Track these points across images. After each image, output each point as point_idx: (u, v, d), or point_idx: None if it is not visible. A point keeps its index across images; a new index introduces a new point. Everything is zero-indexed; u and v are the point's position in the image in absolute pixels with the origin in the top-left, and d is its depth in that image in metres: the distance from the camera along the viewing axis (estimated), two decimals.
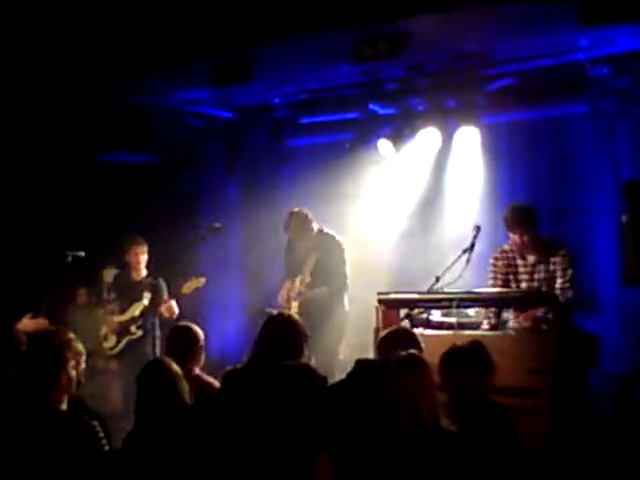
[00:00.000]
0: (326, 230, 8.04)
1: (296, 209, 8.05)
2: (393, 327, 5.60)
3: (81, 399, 4.50)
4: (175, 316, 8.01)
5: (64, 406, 4.25)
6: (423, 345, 5.20)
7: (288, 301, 7.94)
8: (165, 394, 4.54)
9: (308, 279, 7.83)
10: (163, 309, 7.96)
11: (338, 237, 8.01)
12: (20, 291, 8.92)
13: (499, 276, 6.95)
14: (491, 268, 6.99)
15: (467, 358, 4.77)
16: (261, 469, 4.58)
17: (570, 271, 6.65)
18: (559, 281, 6.65)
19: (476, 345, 4.91)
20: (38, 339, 4.45)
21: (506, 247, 6.94)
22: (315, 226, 8.00)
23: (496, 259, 6.97)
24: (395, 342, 5.11)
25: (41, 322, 7.23)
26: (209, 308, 9.71)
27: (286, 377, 4.90)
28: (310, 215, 7.99)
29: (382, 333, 5.42)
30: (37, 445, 4.06)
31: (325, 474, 4.32)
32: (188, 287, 8.13)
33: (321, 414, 4.57)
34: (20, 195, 9.44)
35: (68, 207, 9.79)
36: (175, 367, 4.71)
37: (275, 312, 5.52)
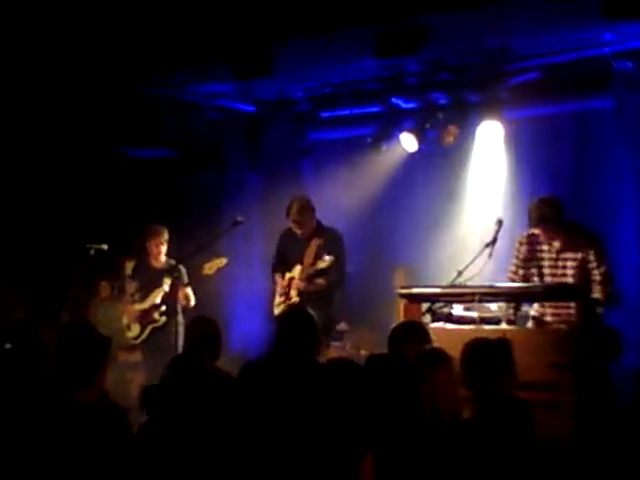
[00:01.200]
0: (325, 223, 7.99)
1: (298, 194, 8.05)
2: (403, 320, 5.60)
3: (105, 392, 4.52)
4: (192, 304, 8.04)
5: (94, 400, 4.28)
6: (443, 339, 5.20)
7: (287, 295, 7.87)
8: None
9: (309, 269, 7.76)
10: (180, 296, 7.97)
11: (338, 231, 7.95)
12: (45, 285, 9.00)
13: (519, 263, 6.88)
14: (515, 253, 6.95)
15: (490, 354, 4.75)
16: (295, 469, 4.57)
17: (604, 268, 6.56)
18: (597, 279, 6.55)
19: (501, 341, 4.88)
20: (82, 333, 4.46)
21: (533, 231, 6.82)
22: (314, 214, 7.95)
23: (520, 244, 6.89)
24: (405, 335, 5.12)
25: None
26: (232, 302, 9.74)
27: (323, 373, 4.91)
28: (312, 203, 7.95)
29: (393, 326, 5.40)
30: (76, 440, 4.05)
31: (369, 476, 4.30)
32: (210, 267, 8.13)
33: (362, 413, 4.56)
34: (44, 190, 9.52)
35: (91, 201, 9.87)
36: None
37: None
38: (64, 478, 4.01)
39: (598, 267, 6.56)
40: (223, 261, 8.16)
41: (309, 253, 7.80)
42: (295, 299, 7.76)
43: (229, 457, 4.31)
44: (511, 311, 6.65)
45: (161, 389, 5.27)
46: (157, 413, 4.79)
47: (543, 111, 8.63)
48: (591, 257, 6.58)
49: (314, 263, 7.70)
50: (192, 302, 8.11)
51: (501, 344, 4.82)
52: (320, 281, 7.72)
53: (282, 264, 8.05)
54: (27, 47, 7.67)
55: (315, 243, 7.79)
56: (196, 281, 8.24)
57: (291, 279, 7.86)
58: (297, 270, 7.83)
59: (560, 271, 6.68)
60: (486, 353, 4.75)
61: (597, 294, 6.47)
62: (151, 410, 4.83)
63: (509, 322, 6.55)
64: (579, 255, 6.61)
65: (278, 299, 7.93)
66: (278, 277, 8.02)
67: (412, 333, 5.18)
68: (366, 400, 4.48)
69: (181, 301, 7.99)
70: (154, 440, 4.42)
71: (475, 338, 4.83)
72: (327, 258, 7.56)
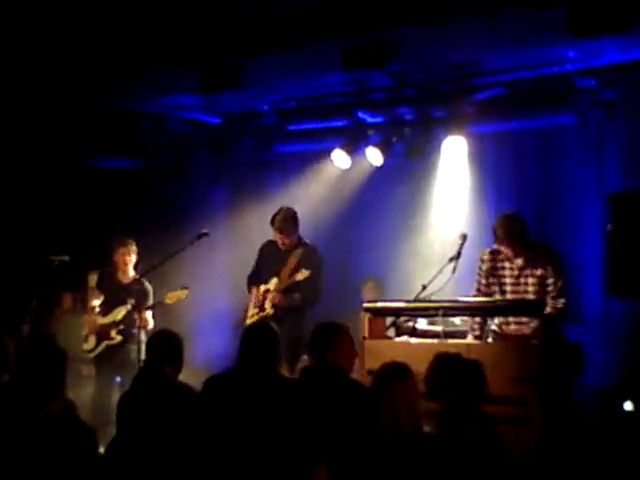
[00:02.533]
0: (308, 241, 7.99)
1: (288, 207, 8.02)
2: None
3: (72, 403, 4.48)
4: (150, 327, 7.96)
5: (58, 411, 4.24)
6: (407, 353, 5.20)
7: (261, 307, 7.83)
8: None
9: (284, 282, 7.74)
10: (138, 318, 7.87)
11: (318, 250, 7.95)
12: (6, 296, 8.90)
13: (482, 280, 6.92)
14: (477, 270, 6.99)
15: (457, 368, 4.76)
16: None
17: (561, 283, 6.62)
18: (551, 294, 6.60)
19: (471, 361, 4.89)
20: (42, 345, 4.42)
21: (495, 247, 6.87)
22: (298, 232, 7.96)
23: (482, 261, 6.94)
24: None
25: None
26: (195, 316, 9.69)
27: (277, 387, 4.91)
28: (298, 217, 7.95)
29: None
30: (43, 451, 4.01)
31: None
32: (170, 298, 8.07)
33: (315, 425, 4.56)
34: (6, 200, 9.43)
35: (54, 212, 9.78)
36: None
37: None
38: None
39: (555, 282, 6.62)
40: (184, 293, 8.09)
41: (287, 266, 7.78)
42: (269, 311, 7.73)
43: (191, 469, 4.30)
44: (476, 327, 6.70)
45: (126, 402, 5.26)
46: (123, 425, 4.78)
47: (507, 127, 8.70)
48: (549, 273, 6.65)
49: (291, 275, 7.67)
50: (150, 326, 8.03)
51: (469, 361, 4.84)
52: (295, 295, 7.69)
53: (259, 276, 8.00)
54: None
55: (294, 257, 7.78)
56: (156, 305, 8.17)
57: (266, 291, 7.83)
58: (273, 282, 7.81)
59: (522, 288, 6.74)
60: (454, 367, 4.77)
61: (548, 308, 6.52)
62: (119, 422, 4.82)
63: (477, 338, 6.59)
64: (539, 272, 6.68)
65: (252, 311, 7.87)
66: (254, 289, 7.97)
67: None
68: (319, 413, 4.50)
69: (140, 323, 7.86)
70: (120, 453, 4.40)
71: (442, 352, 4.85)
72: (304, 272, 7.54)
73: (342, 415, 4.56)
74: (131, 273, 8.37)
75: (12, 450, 4.02)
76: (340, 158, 9.05)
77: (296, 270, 7.68)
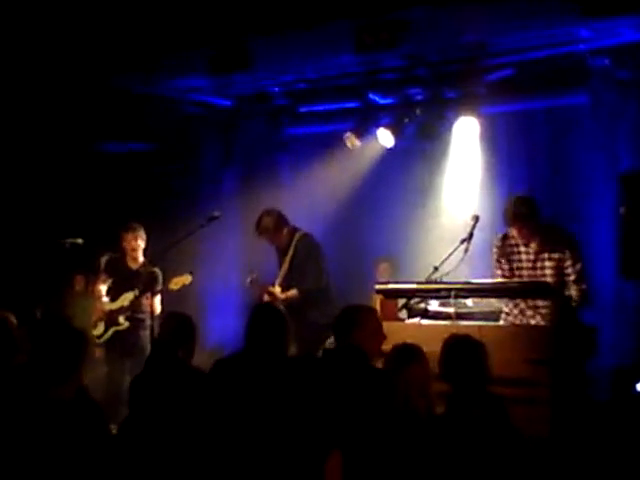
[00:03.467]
0: (299, 229, 7.95)
1: (268, 209, 7.97)
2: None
3: (84, 387, 4.48)
4: (157, 313, 7.92)
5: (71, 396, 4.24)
6: (419, 334, 5.19)
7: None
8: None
9: (279, 282, 7.78)
10: (146, 303, 7.89)
11: (310, 235, 7.92)
12: (19, 279, 8.93)
13: (504, 266, 6.87)
14: (494, 257, 6.95)
15: (469, 349, 4.75)
16: (261, 464, 4.55)
17: (579, 266, 6.57)
18: (571, 278, 6.55)
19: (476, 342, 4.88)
20: (61, 327, 4.43)
21: (507, 233, 6.82)
22: (288, 226, 7.92)
23: (497, 247, 6.88)
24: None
25: None
26: (207, 299, 9.70)
27: (285, 369, 4.90)
28: (282, 215, 7.91)
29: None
30: (52, 436, 4.03)
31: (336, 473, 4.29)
32: (175, 283, 8.09)
33: (326, 407, 4.54)
34: (20, 184, 9.45)
35: (67, 196, 9.79)
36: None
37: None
38: (39, 475, 3.98)
39: (573, 265, 6.57)
40: (188, 278, 8.10)
41: (284, 265, 7.83)
42: None
43: (201, 451, 4.30)
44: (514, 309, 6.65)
45: (138, 384, 5.26)
46: (134, 408, 4.78)
47: (520, 107, 8.66)
48: (567, 256, 6.59)
49: (288, 281, 7.75)
50: (157, 312, 8.00)
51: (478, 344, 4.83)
52: (293, 293, 7.69)
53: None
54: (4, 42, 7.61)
55: (290, 253, 7.80)
56: (161, 291, 8.16)
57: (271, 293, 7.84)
58: (276, 290, 7.82)
59: (539, 272, 6.67)
60: (461, 349, 4.76)
61: (572, 292, 6.48)
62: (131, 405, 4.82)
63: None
64: (556, 255, 6.62)
65: None
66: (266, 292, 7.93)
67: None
68: (333, 395, 4.50)
69: (147, 308, 7.85)
70: (131, 435, 4.41)
71: (455, 334, 4.84)
72: (292, 292, 7.64)
73: (354, 397, 4.55)
74: (140, 259, 8.36)
75: (23, 433, 4.03)
76: (351, 140, 9.01)
77: (290, 267, 7.73)
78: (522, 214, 6.60)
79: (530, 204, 6.66)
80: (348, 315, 5.07)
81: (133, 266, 8.35)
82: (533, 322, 6.58)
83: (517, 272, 6.79)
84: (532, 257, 6.72)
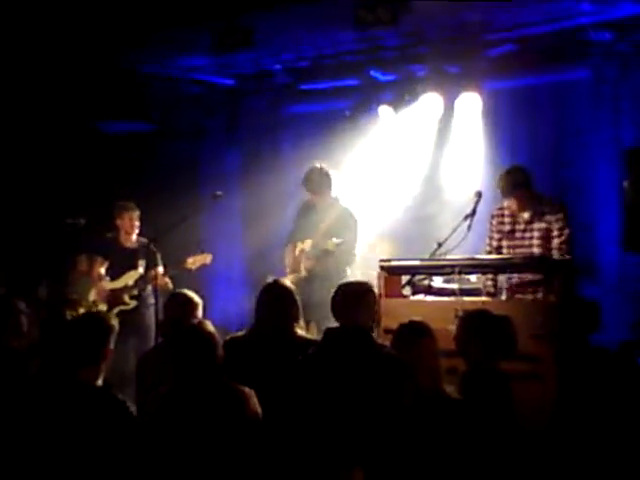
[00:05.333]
0: (342, 201, 7.80)
1: (319, 164, 7.78)
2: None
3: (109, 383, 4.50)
4: (170, 289, 7.87)
5: (99, 381, 4.25)
6: (423, 311, 5.19)
7: (297, 265, 7.66)
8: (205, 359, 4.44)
9: (319, 244, 7.52)
10: (160, 282, 7.77)
11: (352, 209, 7.76)
12: (22, 259, 8.95)
13: (494, 235, 6.90)
14: (489, 226, 6.98)
15: (489, 324, 4.75)
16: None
17: (567, 231, 6.59)
18: (555, 241, 6.59)
19: (502, 317, 4.90)
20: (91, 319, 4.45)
21: (504, 203, 6.85)
22: (334, 192, 7.76)
23: (492, 217, 6.93)
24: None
25: None
26: (211, 278, 9.72)
27: (293, 346, 4.92)
28: (333, 175, 7.71)
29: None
30: (77, 422, 4.03)
31: None
32: (193, 262, 8.01)
33: (333, 385, 4.54)
34: (20, 164, 9.44)
35: (68, 176, 9.78)
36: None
37: (270, 280, 5.49)
38: (63, 459, 3.99)
39: (560, 230, 6.58)
40: (208, 258, 8.03)
41: (321, 229, 7.57)
42: (303, 274, 7.61)
43: (212, 428, 4.30)
44: (490, 283, 6.70)
45: (146, 362, 5.29)
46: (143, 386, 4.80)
47: (521, 82, 8.64)
48: (554, 224, 6.61)
49: (322, 242, 7.49)
50: (170, 286, 7.93)
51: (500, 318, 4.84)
52: (329, 260, 7.47)
53: (295, 237, 7.80)
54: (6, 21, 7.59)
55: (329, 218, 7.57)
56: (176, 271, 8.08)
57: (301, 251, 7.68)
58: (308, 243, 7.63)
59: (527, 242, 6.71)
60: (484, 322, 4.77)
61: (556, 257, 6.50)
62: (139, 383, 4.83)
63: (489, 295, 6.59)
64: (543, 225, 6.65)
65: (289, 276, 7.75)
66: (289, 247, 7.77)
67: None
68: (344, 374, 4.50)
69: (160, 284, 7.68)
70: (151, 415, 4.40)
71: (472, 309, 4.84)
72: (335, 241, 7.34)
73: (363, 377, 4.56)
74: (134, 238, 8.29)
75: (51, 416, 4.04)
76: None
77: (328, 235, 7.47)
78: (519, 183, 6.62)
79: (524, 172, 6.69)
80: (351, 293, 5.04)
81: (128, 244, 8.28)
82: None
83: (506, 242, 6.81)
84: (522, 227, 6.75)
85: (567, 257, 6.52)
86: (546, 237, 6.64)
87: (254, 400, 4.31)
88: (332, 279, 7.37)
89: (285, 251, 7.85)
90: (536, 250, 6.64)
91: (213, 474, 4.12)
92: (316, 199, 7.70)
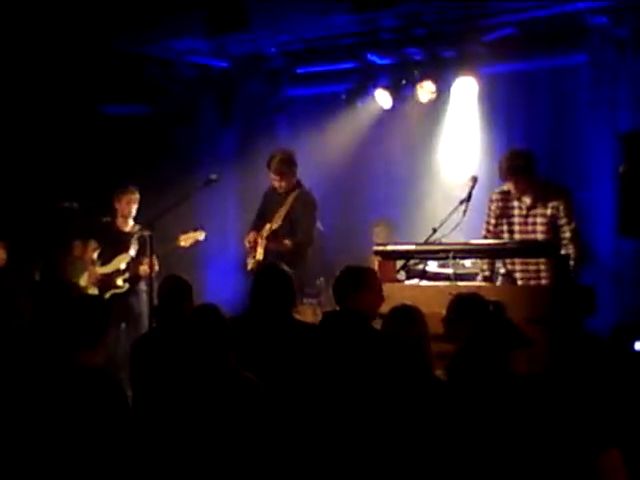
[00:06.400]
0: (303, 184, 7.81)
1: (285, 148, 7.86)
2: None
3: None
4: (154, 274, 7.77)
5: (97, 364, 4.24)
6: (417, 296, 5.18)
7: (254, 248, 7.68)
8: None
9: (275, 226, 7.58)
10: (140, 269, 7.80)
11: (312, 194, 7.78)
12: (18, 243, 8.91)
13: (492, 220, 6.87)
14: (486, 211, 6.96)
15: (475, 309, 4.74)
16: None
17: (574, 224, 6.57)
18: (567, 234, 6.56)
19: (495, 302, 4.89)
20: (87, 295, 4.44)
21: (505, 188, 6.82)
22: (296, 173, 7.75)
23: (491, 201, 6.88)
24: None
25: None
26: (205, 262, 9.70)
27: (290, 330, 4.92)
28: (295, 159, 7.74)
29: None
30: (78, 404, 4.01)
31: None
32: (185, 239, 7.99)
33: (335, 373, 4.53)
34: (16, 147, 9.40)
35: (63, 159, 9.74)
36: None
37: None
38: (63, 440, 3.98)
39: (568, 223, 6.58)
40: (202, 234, 8.03)
41: (279, 213, 7.63)
42: (259, 257, 7.66)
43: (208, 414, 4.29)
44: (486, 267, 6.69)
45: (140, 347, 5.28)
46: (137, 372, 4.78)
47: (518, 67, 8.61)
48: (561, 213, 6.60)
49: (285, 219, 7.56)
50: (156, 269, 7.86)
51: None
52: (286, 241, 7.56)
53: (260, 221, 7.85)
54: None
55: (289, 200, 7.66)
56: (170, 249, 8.06)
57: (260, 236, 7.74)
58: (266, 229, 7.67)
59: (530, 227, 6.69)
60: (474, 306, 4.75)
61: (569, 250, 6.48)
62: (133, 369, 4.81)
63: (485, 279, 6.59)
64: (548, 212, 6.63)
65: (249, 257, 7.81)
66: (249, 235, 7.80)
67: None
68: (338, 358, 4.50)
69: (145, 270, 7.61)
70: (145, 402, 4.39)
71: (461, 293, 4.83)
72: (287, 242, 7.48)
73: (357, 361, 4.55)
74: (131, 222, 8.28)
75: (50, 398, 4.03)
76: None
77: (287, 215, 7.56)
78: (518, 167, 6.59)
79: (527, 157, 6.66)
80: (353, 276, 5.03)
81: (125, 228, 8.26)
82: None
83: (508, 227, 6.78)
84: (524, 212, 6.72)
85: (580, 246, 6.50)
86: (550, 224, 6.62)
87: (262, 390, 4.29)
88: (294, 257, 7.37)
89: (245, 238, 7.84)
90: (540, 237, 6.62)
91: (215, 461, 4.11)
92: (278, 182, 7.69)
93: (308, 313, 7.35)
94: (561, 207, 6.59)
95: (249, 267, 7.70)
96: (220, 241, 9.68)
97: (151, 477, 4.14)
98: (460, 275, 6.42)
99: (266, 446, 4.20)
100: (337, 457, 4.33)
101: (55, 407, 3.99)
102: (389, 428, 4.26)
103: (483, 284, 6.40)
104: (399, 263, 6.65)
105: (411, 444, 4.11)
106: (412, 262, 6.66)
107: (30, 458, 3.94)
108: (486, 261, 6.67)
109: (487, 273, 6.67)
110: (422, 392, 4.27)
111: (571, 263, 6.35)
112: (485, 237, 6.88)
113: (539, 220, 6.66)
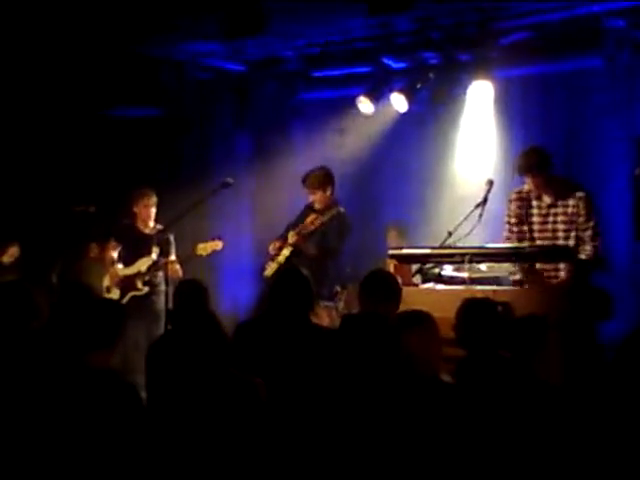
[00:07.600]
0: (340, 206, 7.79)
1: (323, 166, 7.84)
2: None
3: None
4: (180, 276, 7.83)
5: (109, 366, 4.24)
6: (433, 299, 5.18)
7: (277, 255, 7.71)
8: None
9: (305, 232, 7.60)
10: (170, 269, 7.81)
11: (347, 215, 7.79)
12: (33, 247, 8.96)
13: (512, 220, 6.86)
14: (507, 213, 6.94)
15: (486, 312, 4.73)
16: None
17: (592, 223, 6.56)
18: (587, 233, 6.56)
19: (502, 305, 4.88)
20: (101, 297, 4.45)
21: (525, 187, 6.81)
22: (332, 191, 7.78)
23: (510, 201, 6.89)
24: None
25: None
26: (220, 266, 9.71)
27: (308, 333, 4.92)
28: (333, 177, 7.77)
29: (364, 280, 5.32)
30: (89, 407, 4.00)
31: None
32: (204, 248, 7.99)
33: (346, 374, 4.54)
34: (30, 151, 9.44)
35: (78, 162, 9.77)
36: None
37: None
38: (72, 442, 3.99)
39: (587, 221, 6.55)
40: (219, 244, 8.03)
41: (314, 223, 7.63)
42: (281, 259, 7.66)
43: (223, 417, 4.29)
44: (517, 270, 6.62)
45: (155, 351, 5.28)
46: (152, 374, 4.79)
47: (534, 70, 8.59)
48: (582, 211, 6.57)
49: (310, 231, 7.60)
50: (180, 274, 7.93)
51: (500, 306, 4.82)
52: (310, 245, 7.57)
53: (290, 231, 7.83)
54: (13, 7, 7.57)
55: (324, 217, 7.60)
56: (187, 257, 8.10)
57: (285, 240, 7.74)
58: (290, 235, 7.68)
59: (550, 226, 6.67)
60: (482, 311, 4.74)
61: (586, 251, 6.46)
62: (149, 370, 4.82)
63: (515, 283, 6.51)
64: (569, 210, 6.61)
65: (270, 262, 7.80)
66: (278, 241, 7.80)
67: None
68: (350, 362, 4.48)
69: (171, 274, 7.67)
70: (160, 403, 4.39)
71: (472, 297, 4.83)
72: (311, 246, 7.52)
73: (373, 365, 4.54)
74: (152, 224, 8.30)
75: (51, 401, 4.04)
76: (365, 104, 8.97)
77: (323, 226, 7.57)
78: (533, 163, 6.58)
79: (542, 153, 6.65)
80: (383, 282, 5.08)
81: (145, 231, 8.29)
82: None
83: (528, 227, 6.76)
84: (544, 211, 6.70)
85: (597, 245, 6.48)
86: (571, 222, 6.60)
87: (262, 391, 4.29)
88: (317, 263, 7.37)
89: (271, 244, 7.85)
90: (561, 235, 6.60)
91: (220, 463, 4.11)
92: (313, 199, 7.73)
93: (324, 316, 7.34)
94: (581, 204, 6.57)
95: (266, 272, 7.71)
96: (235, 244, 9.69)
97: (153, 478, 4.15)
98: (476, 279, 6.40)
99: (268, 447, 4.20)
100: (348, 459, 4.32)
101: (64, 409, 3.99)
102: (401, 435, 4.25)
103: (498, 288, 6.36)
104: (415, 267, 6.64)
105: (421, 449, 4.10)
106: (427, 266, 6.64)
107: (40, 460, 3.94)
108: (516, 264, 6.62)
109: (517, 276, 6.62)
110: (427, 398, 4.25)
111: (588, 264, 6.33)
112: (507, 238, 6.86)
113: (560, 218, 6.64)
